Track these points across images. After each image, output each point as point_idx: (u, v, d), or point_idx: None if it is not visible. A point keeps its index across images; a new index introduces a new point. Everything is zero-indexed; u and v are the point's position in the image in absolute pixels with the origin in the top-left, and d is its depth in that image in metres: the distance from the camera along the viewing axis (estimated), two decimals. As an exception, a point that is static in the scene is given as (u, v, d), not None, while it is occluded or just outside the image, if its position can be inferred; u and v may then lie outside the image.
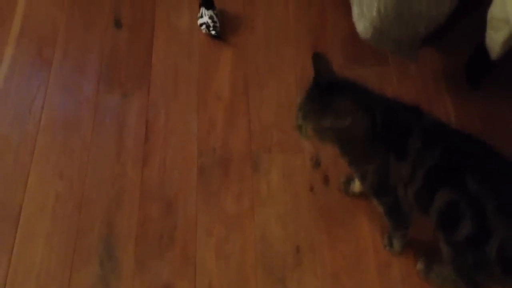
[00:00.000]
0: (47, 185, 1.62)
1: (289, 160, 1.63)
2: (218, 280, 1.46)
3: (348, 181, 1.55)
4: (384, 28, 1.43)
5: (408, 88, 1.74)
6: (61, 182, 1.63)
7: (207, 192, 1.60)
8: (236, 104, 1.75)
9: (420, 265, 1.44)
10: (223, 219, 1.55)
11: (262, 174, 1.61)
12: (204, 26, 1.85)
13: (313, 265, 1.47)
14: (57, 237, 1.54)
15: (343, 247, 1.49)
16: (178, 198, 1.59)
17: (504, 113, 1.66)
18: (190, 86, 1.79)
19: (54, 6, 2.01)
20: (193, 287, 1.46)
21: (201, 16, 1.85)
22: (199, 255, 1.50)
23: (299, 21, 1.92)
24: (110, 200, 1.59)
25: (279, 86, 1.77)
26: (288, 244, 1.50)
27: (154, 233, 1.54)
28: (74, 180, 1.63)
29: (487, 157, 1.16)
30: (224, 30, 1.89)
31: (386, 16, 1.39)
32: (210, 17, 1.83)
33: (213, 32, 1.84)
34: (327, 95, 1.20)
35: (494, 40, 1.36)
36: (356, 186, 1.53)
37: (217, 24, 1.84)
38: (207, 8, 1.84)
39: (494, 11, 1.32)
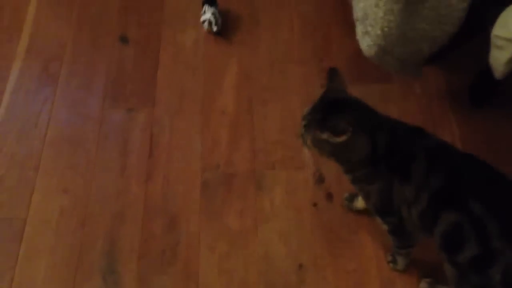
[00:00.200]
0: (51, 200, 1.63)
1: (293, 176, 1.63)
2: (221, 297, 1.46)
3: (352, 197, 1.55)
4: (388, 47, 1.43)
5: (412, 106, 1.75)
6: (66, 197, 1.63)
7: (210, 208, 1.60)
8: (240, 121, 1.76)
9: (423, 285, 1.42)
10: (226, 235, 1.55)
11: (265, 191, 1.61)
12: (206, 23, 1.91)
13: (316, 282, 1.46)
14: (60, 253, 1.53)
15: (346, 264, 1.49)
16: (181, 214, 1.59)
17: (509, 132, 1.66)
18: (194, 103, 1.80)
19: (62, 22, 2.03)
20: (195, 304, 1.45)
21: (204, 13, 1.92)
22: (202, 271, 1.49)
23: (304, 39, 1.93)
24: (114, 215, 1.59)
25: (283, 103, 1.78)
26: (291, 261, 1.50)
27: (157, 248, 1.53)
28: (78, 195, 1.63)
29: (491, 179, 1.16)
30: (230, 48, 1.91)
31: (390, 35, 1.40)
32: (213, 14, 1.90)
33: (215, 29, 1.90)
34: (330, 109, 1.21)
35: (498, 59, 1.37)
36: (360, 202, 1.52)
37: (219, 21, 1.91)
38: (210, 5, 1.92)
39: (498, 30, 1.33)
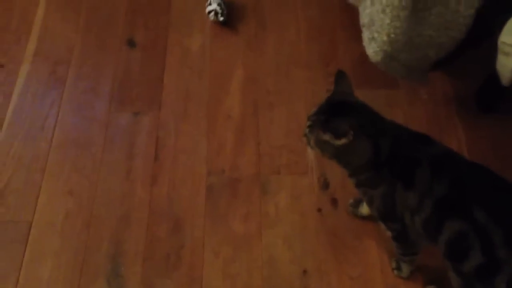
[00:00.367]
0: (57, 203, 1.63)
1: (298, 181, 1.63)
2: (224, 301, 1.46)
3: (357, 203, 1.54)
4: (394, 53, 1.43)
5: (419, 112, 1.74)
6: (71, 200, 1.64)
7: (215, 212, 1.60)
8: (246, 125, 1.76)
9: (428, 291, 1.42)
10: (230, 239, 1.55)
11: (270, 195, 1.61)
12: (212, 13, 1.94)
13: (320, 288, 1.46)
14: (65, 255, 1.54)
15: (350, 270, 1.48)
16: (186, 218, 1.59)
17: (515, 138, 1.66)
18: (200, 107, 1.81)
19: (70, 25, 2.04)
20: (199, 308, 1.46)
21: (210, 4, 1.95)
22: (206, 275, 1.50)
23: (310, 43, 1.94)
24: (119, 218, 1.60)
25: (289, 107, 1.78)
26: (295, 266, 1.49)
27: (162, 252, 1.54)
28: (84, 198, 1.64)
29: (496, 187, 1.15)
30: (236, 52, 1.92)
31: (396, 41, 1.40)
32: (219, 4, 1.93)
33: (221, 19, 1.94)
34: (335, 111, 1.21)
35: (505, 66, 1.36)
36: (365, 208, 1.52)
37: (225, 12, 1.94)
38: None
39: (505, 37, 1.33)
